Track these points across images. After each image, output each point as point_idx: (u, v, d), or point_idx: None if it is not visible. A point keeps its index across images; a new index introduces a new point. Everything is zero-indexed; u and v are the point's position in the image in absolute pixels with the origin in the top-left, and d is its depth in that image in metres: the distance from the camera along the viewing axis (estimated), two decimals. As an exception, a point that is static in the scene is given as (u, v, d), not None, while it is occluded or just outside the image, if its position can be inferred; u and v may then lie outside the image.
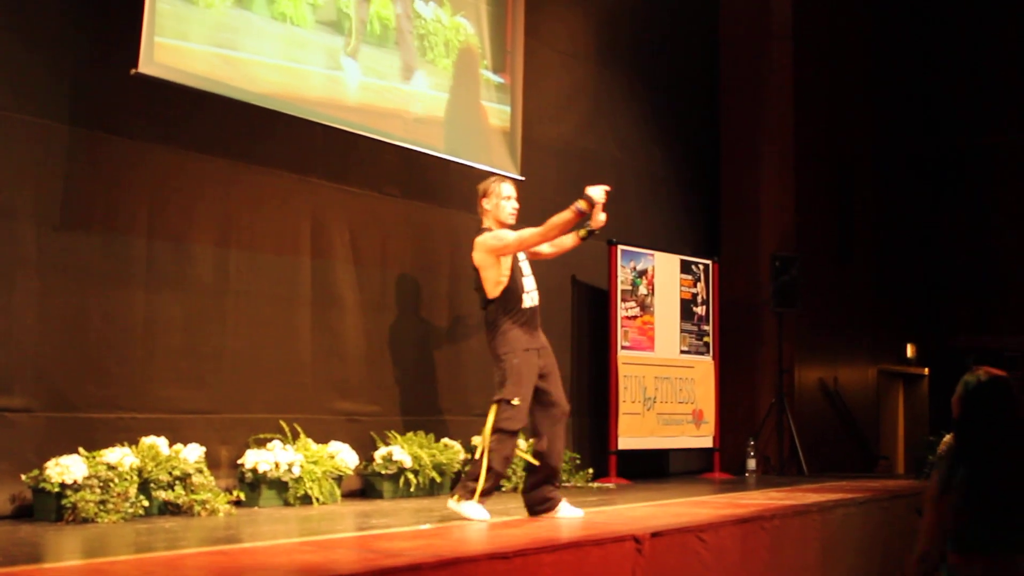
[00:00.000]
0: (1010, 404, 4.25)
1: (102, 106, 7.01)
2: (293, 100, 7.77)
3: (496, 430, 6.68)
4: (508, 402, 6.70)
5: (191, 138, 7.49)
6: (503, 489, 8.71)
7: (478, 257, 6.89)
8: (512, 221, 7.02)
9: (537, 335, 6.93)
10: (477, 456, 6.73)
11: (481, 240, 6.92)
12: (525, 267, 7.04)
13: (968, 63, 17.64)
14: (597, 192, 6.94)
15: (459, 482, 6.87)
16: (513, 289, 6.89)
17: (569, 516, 6.83)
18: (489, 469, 6.65)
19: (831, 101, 14.61)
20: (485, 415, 6.69)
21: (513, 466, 8.89)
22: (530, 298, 6.95)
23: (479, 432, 8.87)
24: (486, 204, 7.01)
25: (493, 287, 6.87)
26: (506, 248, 6.91)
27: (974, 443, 4.24)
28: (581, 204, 6.88)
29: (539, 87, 10.27)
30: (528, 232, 6.98)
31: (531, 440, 7.02)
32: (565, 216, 6.87)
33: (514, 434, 6.73)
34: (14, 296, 6.52)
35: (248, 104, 7.49)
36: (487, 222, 7.03)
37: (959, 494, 4.19)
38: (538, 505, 6.89)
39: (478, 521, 6.52)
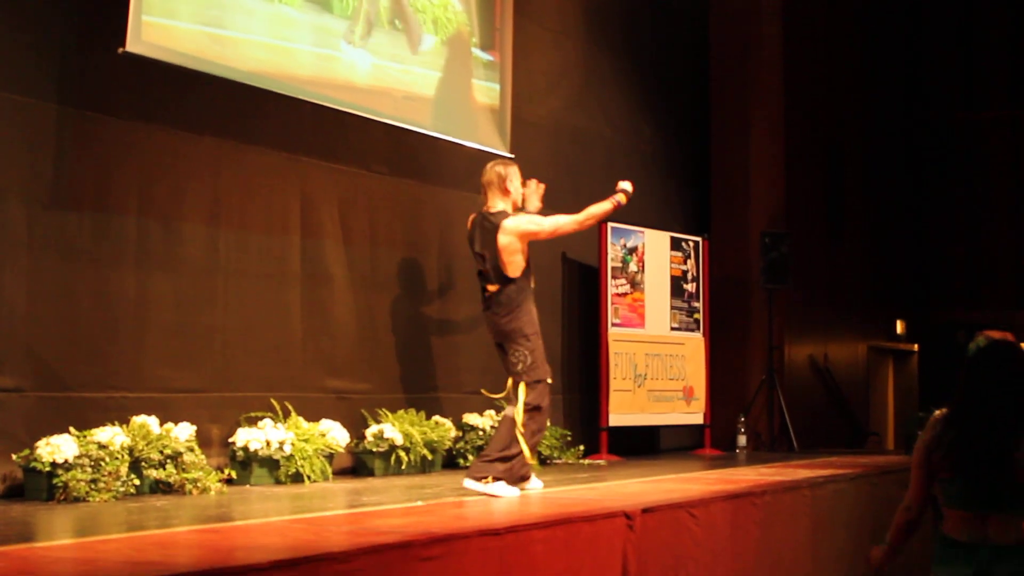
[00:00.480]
0: (1010, 368, 4.29)
1: (90, 85, 6.98)
2: (282, 78, 7.75)
3: (531, 408, 6.89)
4: (544, 381, 6.95)
5: (180, 117, 7.46)
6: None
7: (506, 240, 7.01)
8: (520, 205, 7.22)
9: None
10: (516, 438, 6.84)
11: (515, 224, 7.05)
12: None
13: (959, 38, 17.64)
14: (629, 186, 7.26)
15: (481, 461, 6.89)
16: (529, 270, 7.11)
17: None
18: (528, 448, 6.89)
19: (821, 78, 14.61)
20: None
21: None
22: (534, 280, 7.20)
23: (471, 410, 8.96)
24: (510, 186, 7.16)
25: (515, 268, 7.03)
26: (540, 234, 7.15)
27: (968, 407, 4.29)
28: (622, 198, 7.22)
29: (528, 65, 10.25)
30: (564, 220, 7.21)
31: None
32: (605, 207, 7.20)
33: (542, 410, 6.97)
34: (4, 276, 6.50)
35: (237, 83, 7.47)
36: (503, 205, 7.16)
37: (947, 452, 4.25)
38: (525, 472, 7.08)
39: (509, 497, 6.66)
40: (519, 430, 6.82)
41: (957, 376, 4.37)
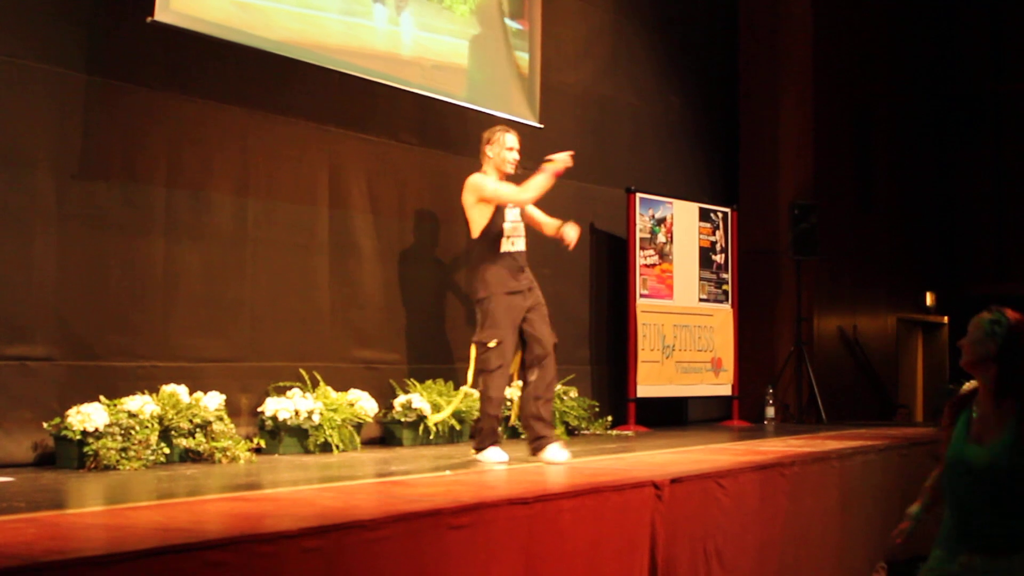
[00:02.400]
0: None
1: (119, 55, 6.98)
2: (310, 47, 7.73)
3: (478, 372, 7.01)
4: (484, 344, 6.95)
5: (208, 87, 7.46)
6: (522, 437, 8.73)
7: (465, 196, 7.19)
8: (511, 171, 7.34)
9: (521, 277, 7.12)
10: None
11: (471, 180, 7.20)
12: (511, 214, 7.20)
13: (989, 8, 17.46)
14: (563, 156, 7.17)
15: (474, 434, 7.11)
16: (492, 234, 7.11)
17: (551, 460, 6.88)
18: (485, 414, 6.98)
19: (851, 48, 14.49)
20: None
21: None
22: (510, 243, 7.12)
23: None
24: (489, 151, 7.28)
25: (475, 227, 7.14)
26: (484, 191, 7.14)
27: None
28: (554, 166, 7.09)
29: (557, 34, 10.21)
30: (506, 187, 7.20)
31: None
32: (540, 180, 7.09)
33: (495, 372, 6.95)
34: (34, 246, 6.53)
35: (265, 52, 7.46)
36: (487, 168, 7.28)
37: None
38: (531, 442, 7.09)
39: (498, 464, 6.77)
40: (479, 392, 7.06)
41: (968, 353, 4.34)
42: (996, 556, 4.18)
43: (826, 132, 13.51)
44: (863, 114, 14.90)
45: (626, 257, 10.64)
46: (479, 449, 6.93)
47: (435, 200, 9.07)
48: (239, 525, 4.24)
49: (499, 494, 5.22)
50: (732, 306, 11.75)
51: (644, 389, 10.54)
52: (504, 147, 7.21)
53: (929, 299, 16.91)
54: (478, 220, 7.10)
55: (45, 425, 6.37)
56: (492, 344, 6.92)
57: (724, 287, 11.68)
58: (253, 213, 7.71)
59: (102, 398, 6.50)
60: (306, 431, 7.42)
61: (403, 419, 8.15)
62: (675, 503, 5.85)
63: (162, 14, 6.72)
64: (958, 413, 4.38)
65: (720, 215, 11.70)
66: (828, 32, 13.57)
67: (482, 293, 7.02)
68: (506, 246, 7.10)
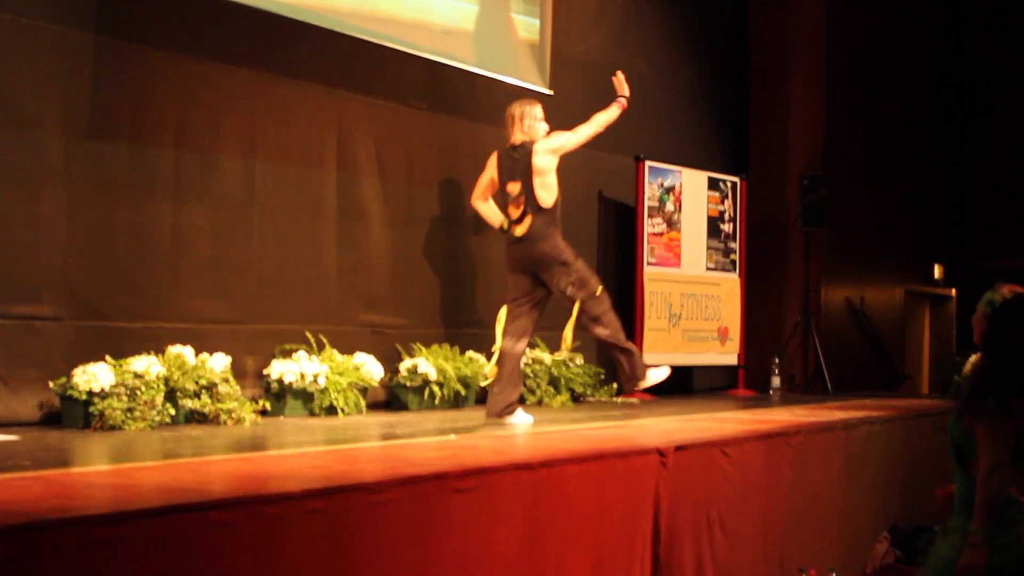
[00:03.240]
0: None
1: (128, 15, 6.96)
2: (320, 10, 7.71)
3: (603, 317, 7.44)
4: (594, 294, 7.35)
5: (216, 48, 7.43)
6: (526, 402, 8.72)
7: (542, 160, 7.27)
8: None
9: None
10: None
11: (547, 142, 7.35)
12: None
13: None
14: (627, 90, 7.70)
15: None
16: (560, 199, 7.37)
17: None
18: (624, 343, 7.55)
19: (862, 19, 14.41)
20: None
21: (537, 380, 8.97)
22: None
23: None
24: (525, 125, 7.37)
25: (550, 193, 7.30)
26: (569, 144, 7.45)
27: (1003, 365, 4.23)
28: (624, 101, 7.64)
29: (568, 1, 10.16)
30: (584, 130, 7.55)
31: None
32: (613, 113, 7.60)
33: (608, 313, 7.49)
34: (41, 206, 6.53)
35: (274, 14, 7.43)
36: (524, 139, 7.38)
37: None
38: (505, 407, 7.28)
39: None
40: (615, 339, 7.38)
41: (976, 329, 4.36)
42: None
43: (837, 103, 13.46)
44: (874, 85, 14.83)
45: (634, 225, 10.62)
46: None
47: (443, 165, 9.05)
48: (243, 486, 4.25)
49: (504, 459, 5.22)
50: (740, 275, 11.73)
51: (650, 357, 10.49)
52: (537, 119, 7.44)
53: (937, 271, 16.88)
54: (553, 185, 7.32)
55: (51, 384, 6.37)
56: (599, 291, 7.35)
57: (732, 256, 11.66)
58: (261, 176, 7.70)
59: (108, 358, 6.49)
60: (311, 394, 7.43)
61: (408, 383, 8.15)
62: (679, 470, 5.86)
63: (171, -26, 6.70)
64: None
65: (729, 184, 11.67)
66: (840, 2, 13.49)
67: (569, 256, 7.30)
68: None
